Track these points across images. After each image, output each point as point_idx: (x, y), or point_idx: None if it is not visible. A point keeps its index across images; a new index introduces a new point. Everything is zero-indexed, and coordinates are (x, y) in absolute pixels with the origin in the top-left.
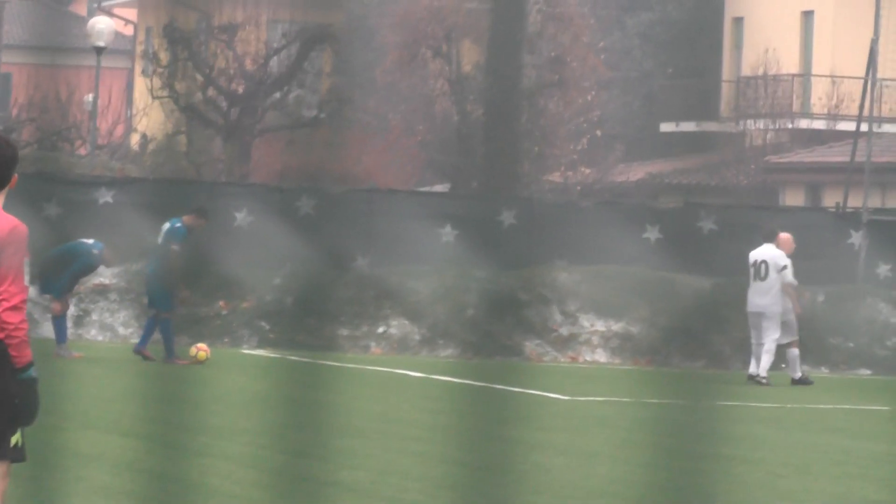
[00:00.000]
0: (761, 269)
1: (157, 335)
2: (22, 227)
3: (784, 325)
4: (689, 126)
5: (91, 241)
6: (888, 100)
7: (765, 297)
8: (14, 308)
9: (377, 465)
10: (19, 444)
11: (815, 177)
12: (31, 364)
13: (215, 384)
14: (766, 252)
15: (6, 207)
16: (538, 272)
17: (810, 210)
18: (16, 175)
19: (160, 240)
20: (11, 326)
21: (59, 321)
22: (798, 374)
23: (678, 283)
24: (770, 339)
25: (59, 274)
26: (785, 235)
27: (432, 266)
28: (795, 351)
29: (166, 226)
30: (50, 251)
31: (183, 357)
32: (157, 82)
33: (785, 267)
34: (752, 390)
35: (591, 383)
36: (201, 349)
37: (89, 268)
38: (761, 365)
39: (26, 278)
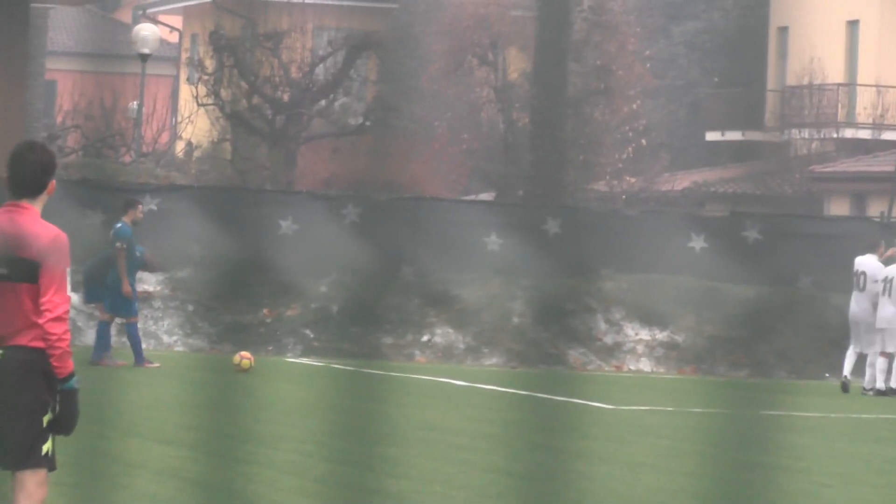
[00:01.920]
0: (860, 280)
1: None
2: (63, 237)
3: (890, 335)
4: (734, 135)
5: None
6: None
7: (859, 307)
8: (57, 319)
9: (421, 473)
10: (50, 452)
11: (860, 186)
12: (72, 374)
13: (259, 392)
14: (865, 262)
15: (48, 214)
16: (583, 281)
17: (855, 219)
18: (53, 181)
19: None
20: (55, 337)
21: (104, 328)
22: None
23: (723, 292)
24: (872, 351)
25: (105, 281)
26: None
27: (477, 274)
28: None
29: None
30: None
31: (152, 360)
32: (202, 89)
33: (876, 281)
34: (795, 399)
35: (635, 392)
36: (245, 357)
37: (133, 271)
38: (866, 378)
39: (68, 288)
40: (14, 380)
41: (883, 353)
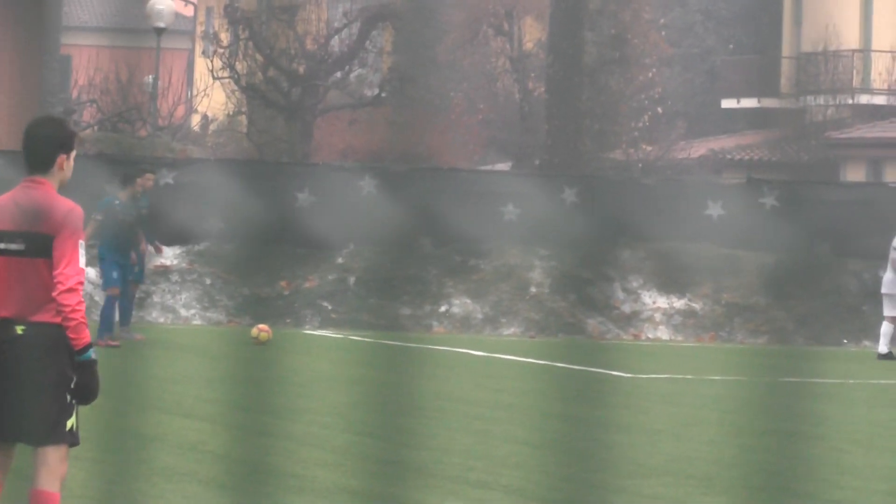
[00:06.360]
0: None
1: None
2: (77, 210)
3: (890, 299)
4: (750, 102)
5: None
6: None
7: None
8: (69, 290)
9: (440, 444)
10: (74, 427)
11: (877, 152)
12: (89, 346)
13: (277, 364)
14: None
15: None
16: (601, 249)
17: (872, 185)
18: (63, 156)
19: None
20: (68, 309)
21: (125, 303)
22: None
23: (741, 259)
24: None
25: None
26: None
27: (495, 244)
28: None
29: None
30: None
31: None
32: (217, 63)
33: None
34: (814, 366)
35: (653, 360)
36: (263, 330)
37: (116, 243)
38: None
39: (82, 261)
40: (37, 356)
41: (887, 318)
